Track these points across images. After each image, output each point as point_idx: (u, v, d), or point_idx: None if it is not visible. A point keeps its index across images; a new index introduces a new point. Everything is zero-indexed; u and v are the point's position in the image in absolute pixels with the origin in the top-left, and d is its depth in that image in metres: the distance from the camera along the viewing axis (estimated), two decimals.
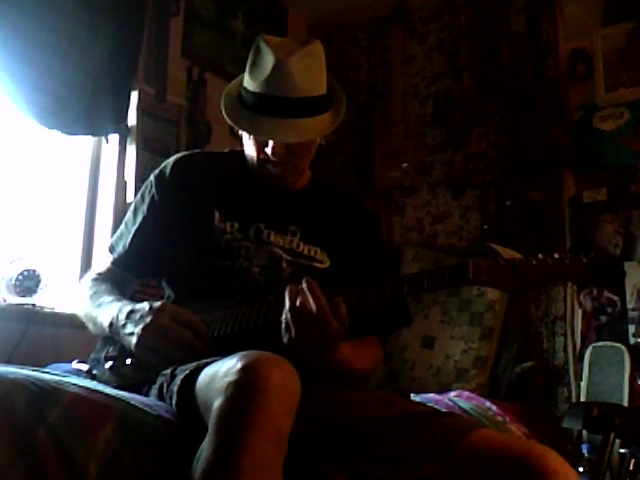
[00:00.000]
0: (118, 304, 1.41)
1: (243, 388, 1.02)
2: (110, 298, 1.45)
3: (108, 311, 1.41)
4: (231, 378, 1.04)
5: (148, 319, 1.32)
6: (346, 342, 1.33)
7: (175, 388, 1.22)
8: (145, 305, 1.35)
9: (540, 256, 1.23)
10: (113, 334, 1.40)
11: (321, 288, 1.39)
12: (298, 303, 1.24)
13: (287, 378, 1.06)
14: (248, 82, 1.43)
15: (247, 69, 1.44)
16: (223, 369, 1.08)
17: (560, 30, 3.10)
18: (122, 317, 1.36)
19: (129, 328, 1.34)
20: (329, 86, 1.46)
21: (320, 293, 1.24)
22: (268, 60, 1.38)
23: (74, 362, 1.53)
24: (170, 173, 1.54)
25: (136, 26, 2.86)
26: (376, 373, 1.53)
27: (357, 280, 1.44)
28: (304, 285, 1.25)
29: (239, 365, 1.05)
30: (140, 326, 1.32)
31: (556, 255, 1.23)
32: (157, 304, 1.34)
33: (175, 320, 1.32)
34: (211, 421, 1.03)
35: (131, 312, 1.36)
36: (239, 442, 0.99)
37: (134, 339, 1.33)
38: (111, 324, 1.39)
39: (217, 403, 1.04)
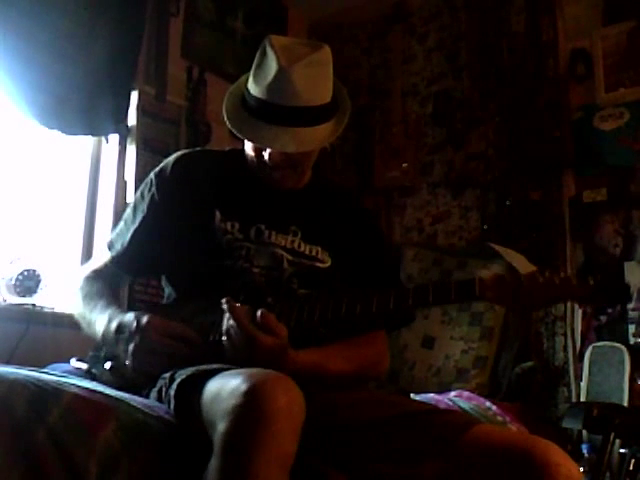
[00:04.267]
0: (107, 314, 1.40)
1: (248, 413, 1.02)
2: (101, 303, 1.44)
3: (99, 321, 1.40)
4: (235, 401, 1.03)
5: (137, 338, 1.31)
6: (316, 348, 1.34)
7: (172, 392, 1.22)
8: (132, 321, 1.33)
9: (547, 274, 1.22)
10: (106, 346, 1.40)
11: (322, 287, 1.39)
12: (228, 325, 1.26)
13: (292, 400, 1.05)
14: (251, 85, 1.41)
15: (252, 70, 1.42)
16: (227, 388, 1.08)
17: (560, 30, 3.09)
18: (112, 331, 1.36)
19: (121, 345, 1.34)
20: (335, 92, 1.44)
21: (240, 312, 1.25)
22: (272, 66, 1.36)
23: (73, 360, 1.53)
24: (171, 172, 1.53)
25: (136, 26, 2.86)
26: (378, 369, 1.50)
27: (358, 279, 1.45)
28: (224, 306, 1.25)
29: (243, 387, 1.04)
30: (131, 346, 1.32)
31: (562, 274, 1.22)
32: (144, 320, 1.32)
33: (163, 334, 1.31)
34: (216, 444, 1.04)
35: (119, 326, 1.35)
36: (245, 467, 0.99)
37: (128, 359, 1.33)
38: (103, 337, 1.39)
39: (222, 427, 1.03)
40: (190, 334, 1.33)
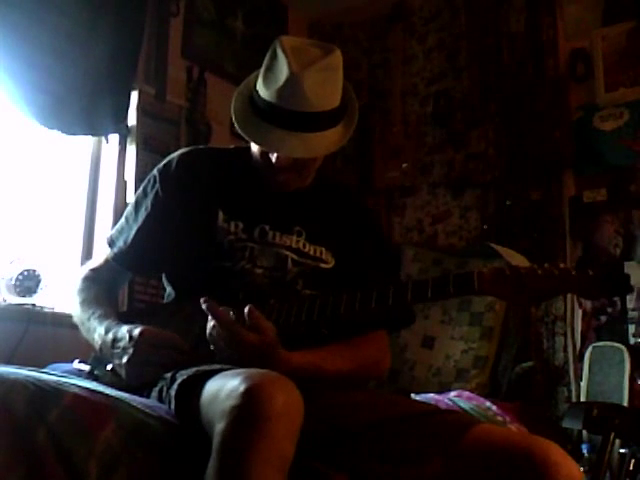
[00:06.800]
0: (104, 325, 1.41)
1: (245, 414, 1.02)
2: (99, 312, 1.45)
3: (97, 331, 1.41)
4: (233, 402, 1.03)
5: (130, 351, 1.33)
6: (314, 349, 1.34)
7: (173, 393, 1.22)
8: (125, 334, 1.35)
9: (546, 266, 1.21)
10: (104, 356, 1.41)
11: (325, 288, 1.39)
12: (210, 325, 1.26)
13: (290, 401, 1.05)
14: (261, 87, 1.40)
15: (262, 71, 1.41)
16: (226, 388, 1.07)
17: (560, 30, 3.10)
18: (108, 345, 1.37)
19: (116, 359, 1.36)
20: (344, 96, 1.44)
21: (220, 311, 1.25)
22: (282, 70, 1.35)
23: (75, 362, 1.53)
24: (175, 169, 1.52)
25: (136, 26, 2.86)
26: (379, 369, 1.50)
27: (360, 279, 1.45)
28: (203, 306, 1.26)
29: (242, 388, 1.04)
30: (124, 359, 1.33)
31: (562, 265, 1.22)
32: (136, 332, 1.33)
33: (155, 345, 1.32)
34: (214, 445, 1.04)
35: (114, 341, 1.36)
36: (242, 469, 0.99)
37: (123, 371, 1.35)
38: (100, 349, 1.41)
39: (220, 427, 1.03)
40: (181, 343, 1.34)
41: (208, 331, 1.28)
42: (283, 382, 1.08)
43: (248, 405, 1.02)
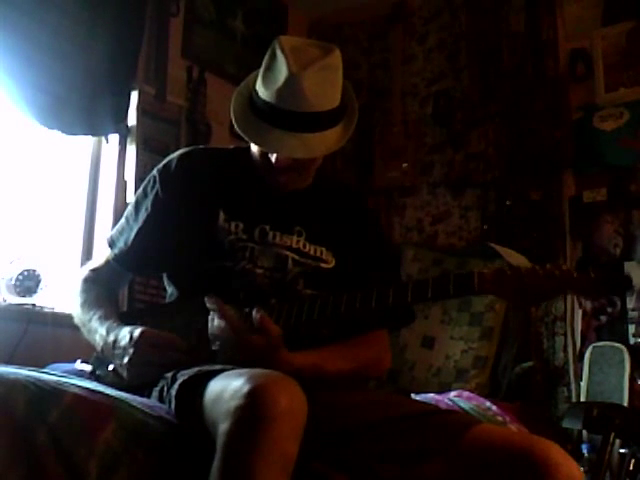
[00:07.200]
0: (105, 326, 1.41)
1: (249, 414, 1.02)
2: (100, 313, 1.45)
3: (98, 332, 1.42)
4: (237, 402, 1.04)
5: (131, 351, 1.33)
6: (315, 349, 1.35)
7: (173, 392, 1.22)
8: (126, 334, 1.35)
9: (548, 266, 1.21)
10: (105, 358, 1.42)
11: (326, 288, 1.39)
12: (216, 325, 1.27)
13: (294, 402, 1.05)
14: (260, 87, 1.40)
15: (261, 71, 1.41)
16: (230, 389, 1.08)
17: (560, 30, 3.10)
18: (109, 347, 1.38)
19: (118, 360, 1.36)
20: (344, 96, 1.44)
21: (228, 312, 1.26)
22: (282, 70, 1.34)
23: (77, 362, 1.53)
24: (175, 169, 1.52)
25: (136, 26, 2.86)
26: (379, 368, 1.52)
27: (360, 279, 1.45)
28: (208, 304, 1.27)
29: (245, 389, 1.04)
30: (125, 360, 1.34)
31: (564, 267, 1.22)
32: (136, 333, 1.34)
33: (155, 345, 1.33)
34: (218, 446, 1.04)
35: (115, 342, 1.37)
36: (246, 469, 1.00)
37: (124, 371, 1.36)
38: (102, 350, 1.41)
39: (224, 428, 1.04)
40: (181, 342, 1.34)
41: (211, 330, 1.28)
42: (287, 382, 1.08)
43: (252, 406, 1.03)
